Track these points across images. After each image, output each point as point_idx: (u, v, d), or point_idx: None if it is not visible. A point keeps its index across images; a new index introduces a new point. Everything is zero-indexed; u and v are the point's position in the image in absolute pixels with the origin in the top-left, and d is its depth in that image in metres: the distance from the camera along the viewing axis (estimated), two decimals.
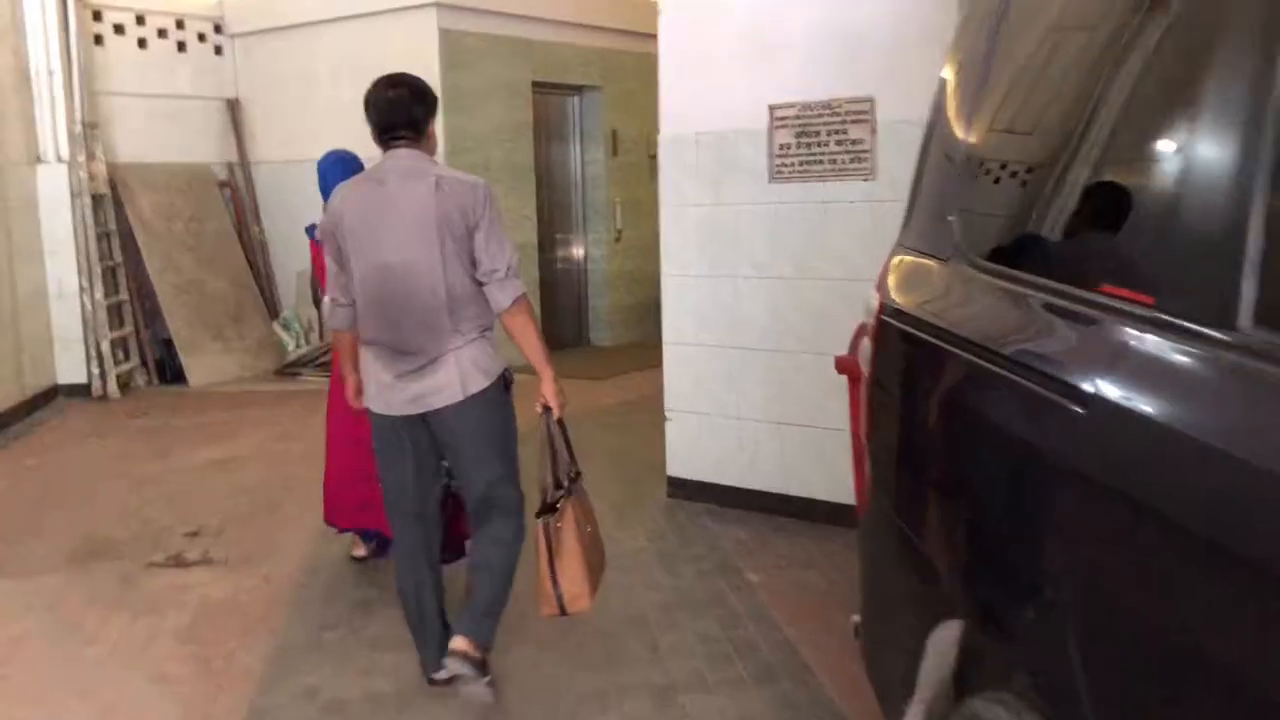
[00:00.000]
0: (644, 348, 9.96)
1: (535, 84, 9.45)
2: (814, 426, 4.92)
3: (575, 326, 10.46)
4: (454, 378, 3.15)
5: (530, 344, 3.23)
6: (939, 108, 2.47)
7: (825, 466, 4.90)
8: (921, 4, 4.43)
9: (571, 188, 10.42)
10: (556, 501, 3.22)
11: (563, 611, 3.21)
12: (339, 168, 4.15)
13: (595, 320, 10.57)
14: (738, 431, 5.16)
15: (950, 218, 2.24)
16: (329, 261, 3.31)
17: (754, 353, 5.06)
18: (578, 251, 10.50)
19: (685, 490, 5.36)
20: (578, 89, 10.14)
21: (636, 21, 10.08)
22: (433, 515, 3.44)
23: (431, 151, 3.28)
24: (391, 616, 3.95)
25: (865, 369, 2.53)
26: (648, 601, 4.18)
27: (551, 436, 3.28)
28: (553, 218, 10.20)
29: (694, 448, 5.31)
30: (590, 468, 3.81)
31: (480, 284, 3.15)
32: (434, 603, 3.44)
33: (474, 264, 3.13)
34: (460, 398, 3.17)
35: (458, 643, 3.27)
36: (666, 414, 5.39)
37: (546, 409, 3.26)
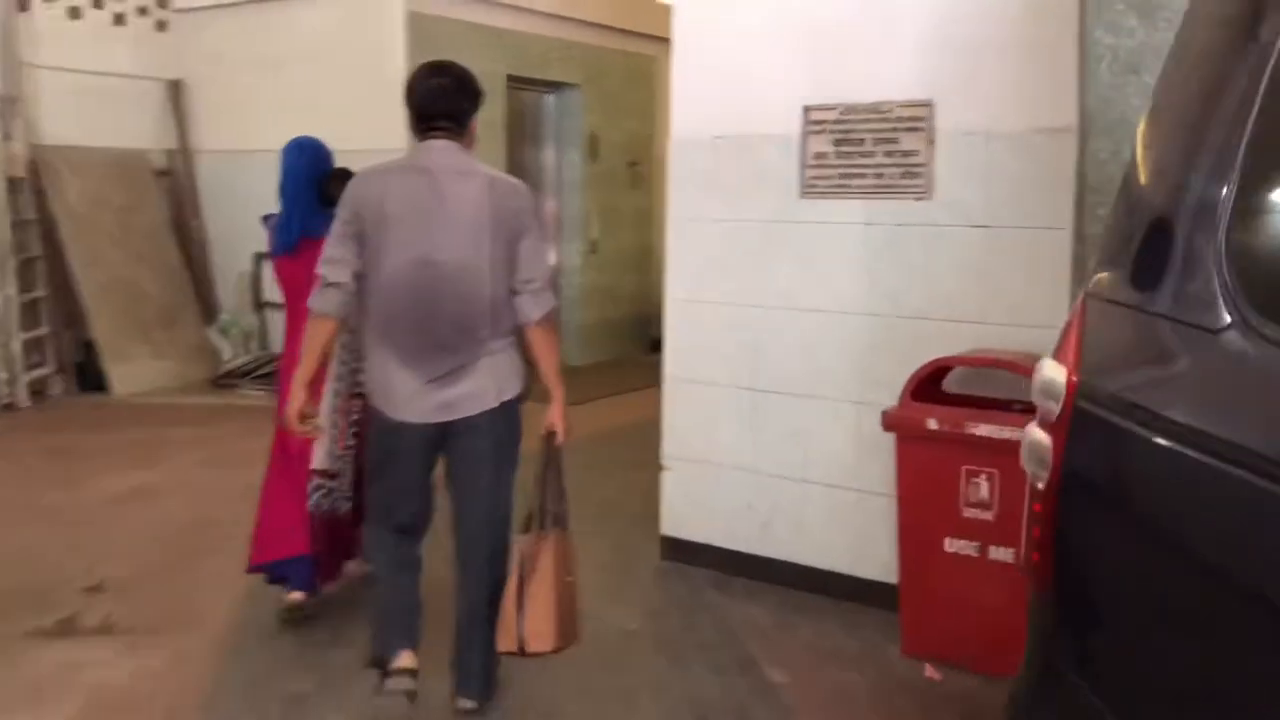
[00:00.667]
0: (621, 368, 9.21)
1: (510, 78, 8.70)
2: (844, 488, 4.16)
3: (559, 344, 9.62)
4: (489, 384, 3.05)
5: (551, 363, 3.13)
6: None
7: (854, 535, 4.15)
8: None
9: (545, 193, 9.62)
10: (542, 522, 3.10)
11: (521, 651, 3.03)
12: (307, 155, 3.93)
13: (568, 337, 9.75)
14: (751, 488, 4.39)
15: (1221, 272, 1.47)
16: (338, 243, 3.01)
17: (776, 396, 4.30)
18: (550, 263, 9.67)
19: (684, 554, 4.57)
20: (555, 86, 9.38)
21: (623, 17, 9.43)
22: (423, 529, 3.30)
23: (471, 146, 3.12)
24: (333, 715, 3.17)
25: (1032, 469, 1.77)
26: (653, 715, 3.38)
27: (550, 464, 3.14)
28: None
29: (697, 504, 4.53)
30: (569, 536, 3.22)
31: (513, 291, 3.04)
32: (414, 606, 3.28)
33: (511, 270, 3.03)
34: (494, 404, 3.06)
35: (467, 704, 3.20)
36: (664, 462, 4.61)
37: (551, 434, 3.14)
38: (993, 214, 3.79)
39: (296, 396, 3.09)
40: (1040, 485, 1.72)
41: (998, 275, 3.80)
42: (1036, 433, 1.76)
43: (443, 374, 3.02)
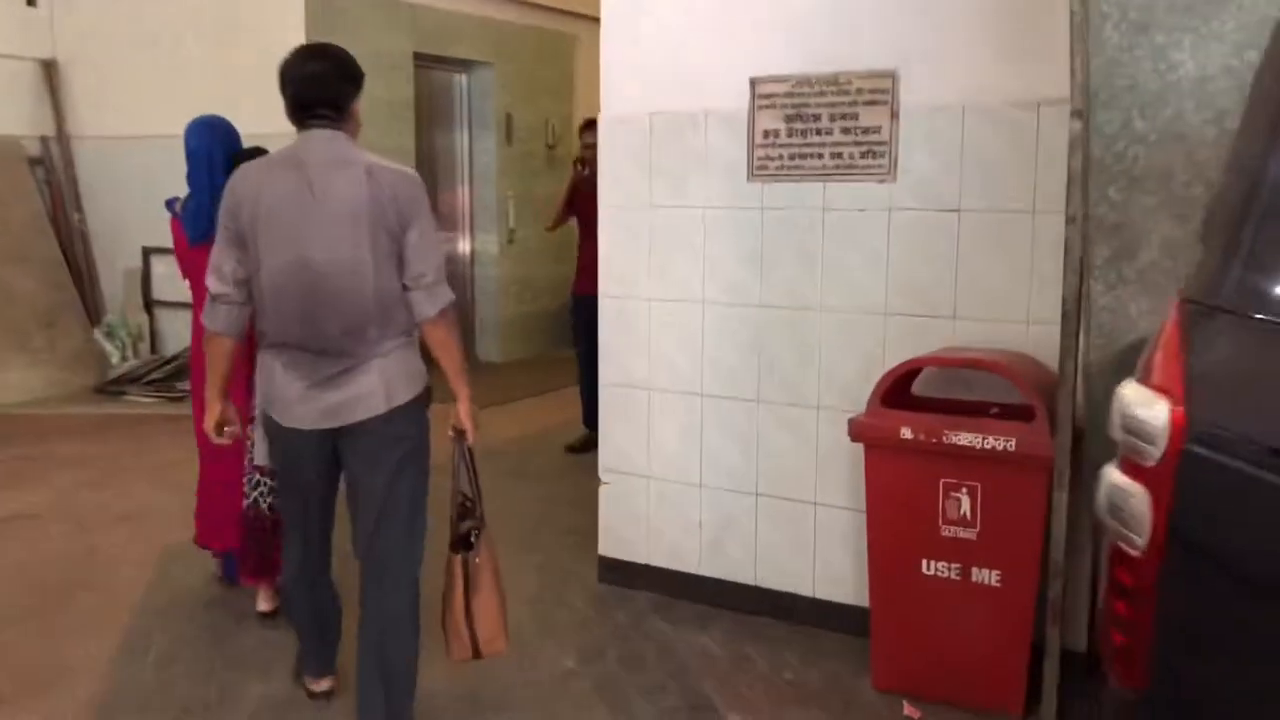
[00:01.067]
0: (540, 366, 8.75)
1: (418, 57, 8.16)
2: (801, 501, 3.76)
3: (461, 339, 9.10)
4: (377, 385, 2.85)
5: (452, 360, 2.95)
6: None
7: (813, 553, 3.76)
8: None
9: (458, 179, 9.11)
10: (470, 534, 3.02)
11: (477, 654, 3.05)
12: (217, 135, 3.77)
13: (484, 332, 9.29)
14: (698, 503, 3.97)
15: None
16: (221, 249, 2.89)
17: (724, 402, 3.88)
18: (464, 253, 9.18)
19: (625, 576, 4.14)
20: (467, 65, 8.84)
21: None
22: (326, 568, 3.16)
23: (354, 134, 2.94)
24: None
25: (1115, 525, 1.36)
26: None
27: (463, 465, 3.03)
28: (435, 213, 8.82)
29: (639, 522, 4.10)
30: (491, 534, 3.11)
31: (404, 287, 2.85)
32: (333, 624, 3.23)
33: (401, 264, 2.84)
34: (384, 409, 2.86)
35: None
36: (602, 475, 4.16)
37: (460, 434, 2.99)
38: (967, 197, 3.41)
39: (213, 408, 3.02)
40: (1131, 550, 1.32)
41: (972, 265, 3.42)
42: (1121, 479, 1.35)
43: (329, 375, 2.86)
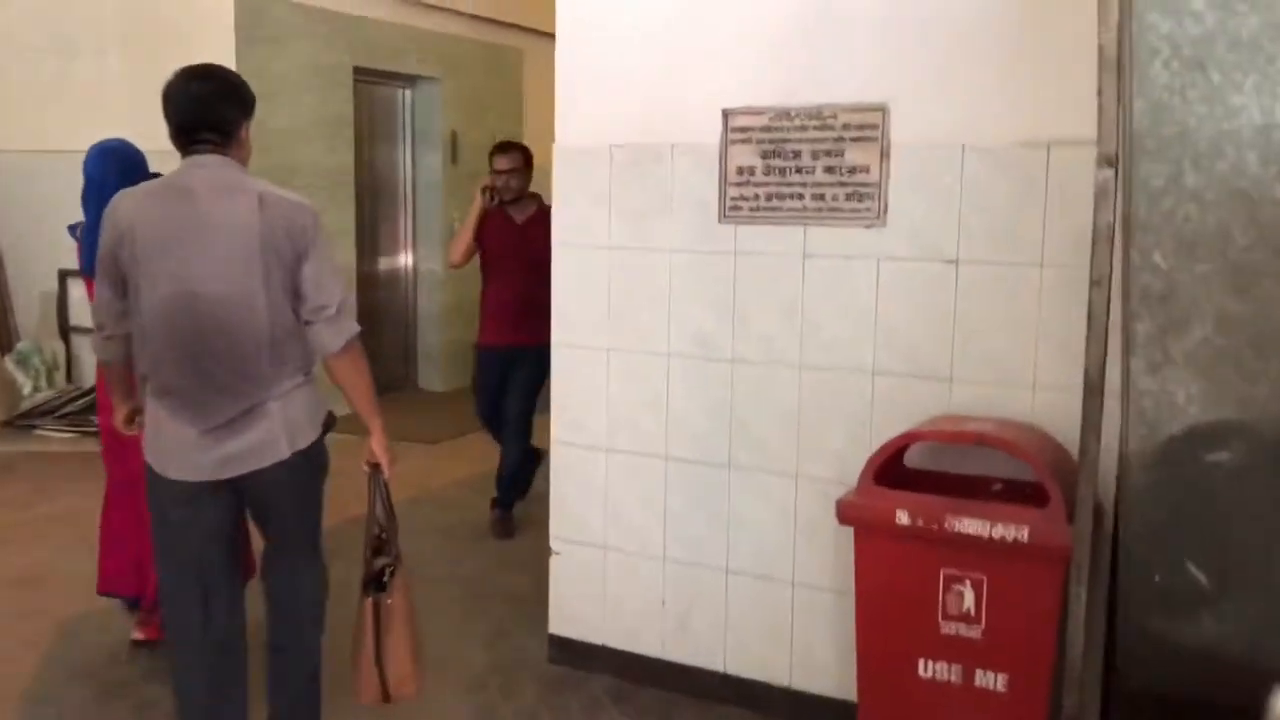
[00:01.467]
0: None
1: (359, 71, 7.73)
2: (778, 580, 3.38)
3: (401, 367, 8.69)
4: (279, 430, 2.75)
5: (361, 393, 2.86)
6: None
7: (791, 639, 3.38)
8: None
9: (400, 199, 8.68)
10: (383, 572, 2.90)
11: (387, 698, 2.91)
12: (113, 163, 3.62)
13: (425, 360, 8.84)
14: (663, 579, 3.56)
15: None
16: (101, 282, 2.80)
17: (693, 467, 3.48)
18: (405, 277, 8.71)
19: (579, 657, 3.72)
20: (411, 80, 8.41)
21: (484, 4, 8.54)
22: (236, 633, 2.91)
23: (244, 161, 2.84)
24: None
25: None
26: None
27: (378, 498, 2.91)
28: (376, 235, 8.42)
29: (595, 598, 3.68)
30: (425, 597, 3.14)
31: (306, 322, 2.75)
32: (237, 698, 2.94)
33: (298, 298, 2.73)
34: (286, 454, 2.76)
35: None
36: (553, 545, 3.74)
37: (375, 468, 2.89)
38: (966, 246, 3.05)
39: (120, 408, 2.97)
40: None
41: (971, 322, 3.06)
42: None
43: (222, 422, 2.71)
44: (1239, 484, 2.13)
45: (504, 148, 5.22)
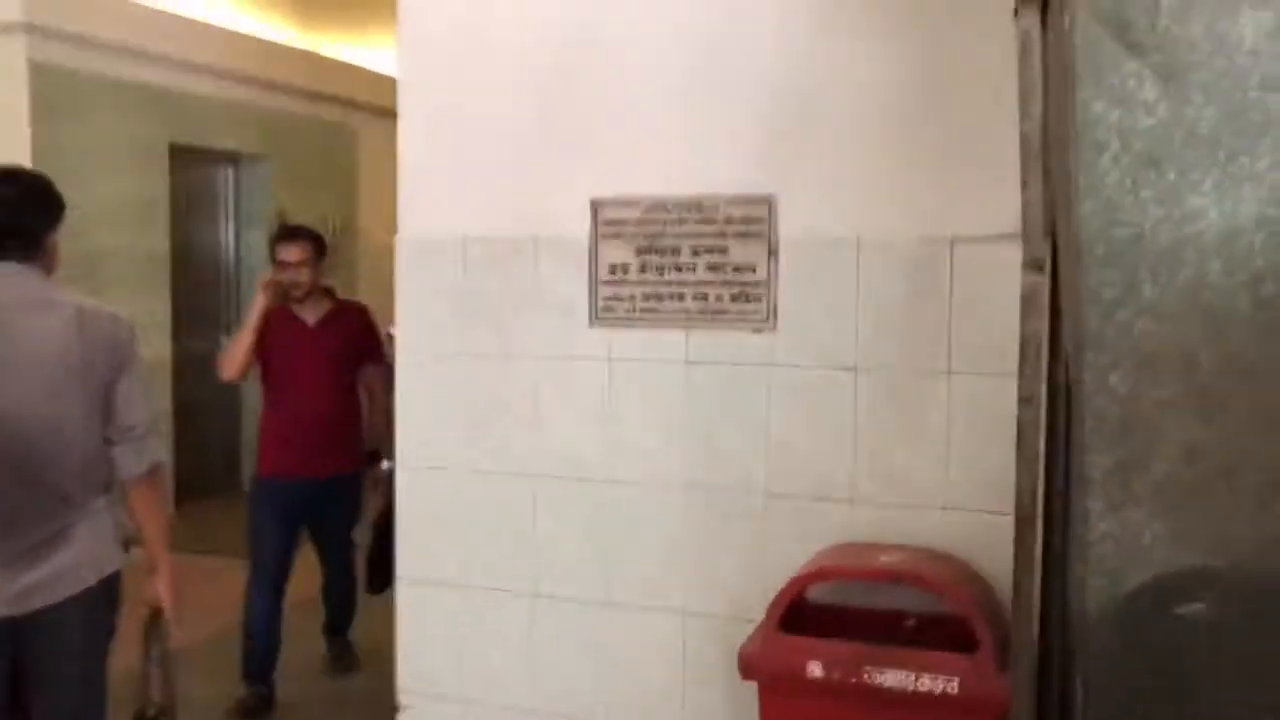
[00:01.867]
0: None
1: (175, 148, 7.10)
2: None
3: (222, 466, 7.94)
4: (85, 555, 2.57)
5: (157, 524, 2.74)
6: None
7: None
8: (876, 48, 2.70)
9: (221, 285, 8.04)
10: None
11: None
12: None
13: (250, 457, 8.07)
14: None
15: None
16: None
17: (563, 605, 3.05)
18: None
19: None
20: (234, 158, 7.82)
21: (312, 79, 8.11)
22: None
23: (50, 271, 2.67)
24: None
25: None
26: None
27: (156, 663, 2.72)
28: (193, 323, 7.72)
29: None
30: None
31: (108, 440, 2.62)
32: None
33: (105, 415, 2.62)
34: (93, 581, 2.59)
35: None
36: (400, 701, 3.23)
37: (156, 613, 2.72)
38: (865, 352, 2.75)
39: None
40: None
41: (873, 437, 2.76)
42: None
43: (26, 548, 2.52)
44: (1213, 643, 1.84)
45: (291, 234, 4.41)
